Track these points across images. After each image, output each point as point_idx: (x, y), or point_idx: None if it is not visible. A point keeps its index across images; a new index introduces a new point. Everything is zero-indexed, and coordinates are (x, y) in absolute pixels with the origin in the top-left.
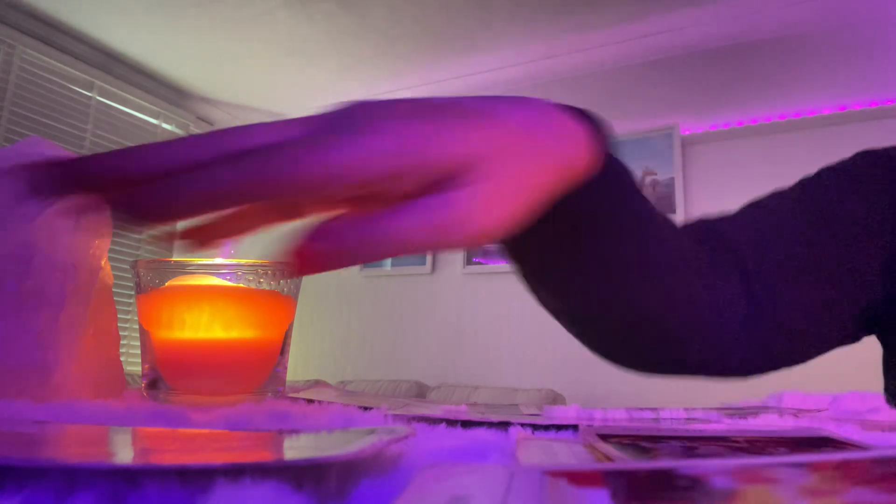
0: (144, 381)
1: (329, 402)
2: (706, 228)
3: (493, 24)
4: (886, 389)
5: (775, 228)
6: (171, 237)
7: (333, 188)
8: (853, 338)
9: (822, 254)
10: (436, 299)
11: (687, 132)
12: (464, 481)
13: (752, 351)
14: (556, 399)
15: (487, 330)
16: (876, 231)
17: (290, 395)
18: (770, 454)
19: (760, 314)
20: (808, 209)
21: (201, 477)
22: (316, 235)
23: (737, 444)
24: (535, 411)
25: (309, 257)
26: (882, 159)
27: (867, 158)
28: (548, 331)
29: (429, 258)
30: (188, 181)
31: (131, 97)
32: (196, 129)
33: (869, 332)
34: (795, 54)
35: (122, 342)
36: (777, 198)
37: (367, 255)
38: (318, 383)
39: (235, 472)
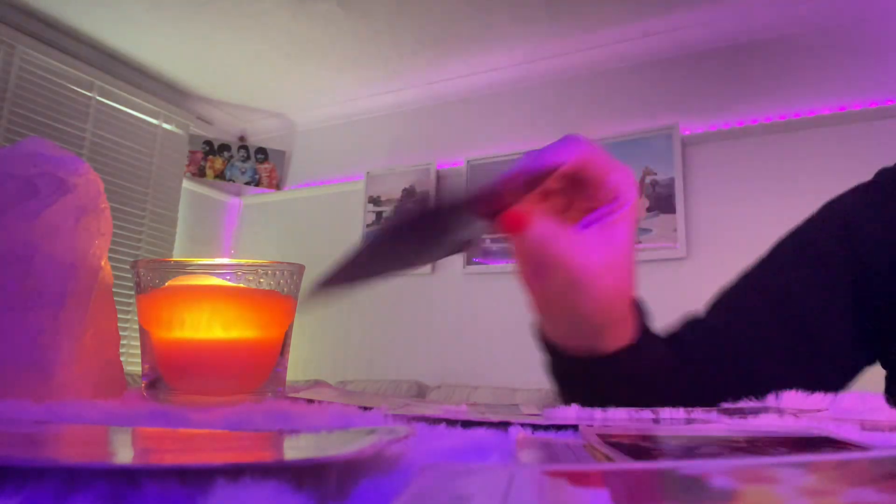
0: (144, 381)
1: (329, 402)
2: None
3: (493, 25)
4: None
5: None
6: None
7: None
8: (842, 385)
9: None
10: (436, 299)
11: (687, 132)
12: (464, 481)
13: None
14: (556, 399)
15: (487, 330)
16: (840, 306)
17: (290, 395)
18: (770, 454)
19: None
20: (770, 297)
21: (201, 477)
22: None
23: (737, 444)
24: (535, 411)
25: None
26: (831, 219)
27: (825, 218)
28: None
29: None
30: None
31: (131, 97)
32: (196, 129)
33: (870, 364)
34: (795, 54)
35: (122, 342)
36: (744, 285)
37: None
38: (318, 383)
39: (235, 472)
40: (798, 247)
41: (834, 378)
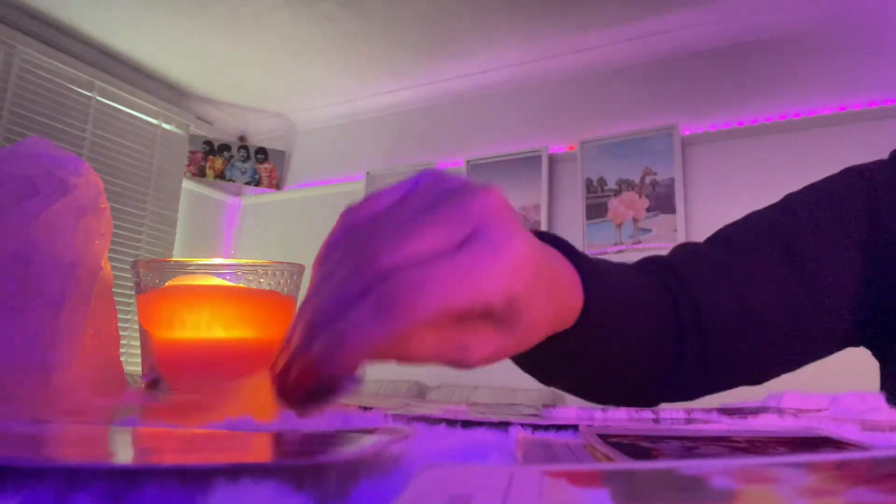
0: (144, 381)
1: None
2: (668, 280)
3: (492, 25)
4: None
5: (744, 276)
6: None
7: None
8: (829, 352)
9: (792, 295)
10: None
11: (687, 132)
12: (464, 481)
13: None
14: (556, 399)
15: None
16: (848, 260)
17: None
18: (770, 454)
19: (712, 369)
20: (780, 249)
21: (201, 477)
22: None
23: (737, 444)
24: (535, 411)
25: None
26: (856, 179)
27: (847, 177)
28: None
29: None
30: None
31: (131, 97)
32: (196, 129)
33: (854, 345)
34: (795, 54)
35: (122, 342)
36: (753, 222)
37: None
38: None
39: (235, 472)
40: (815, 195)
41: (828, 335)
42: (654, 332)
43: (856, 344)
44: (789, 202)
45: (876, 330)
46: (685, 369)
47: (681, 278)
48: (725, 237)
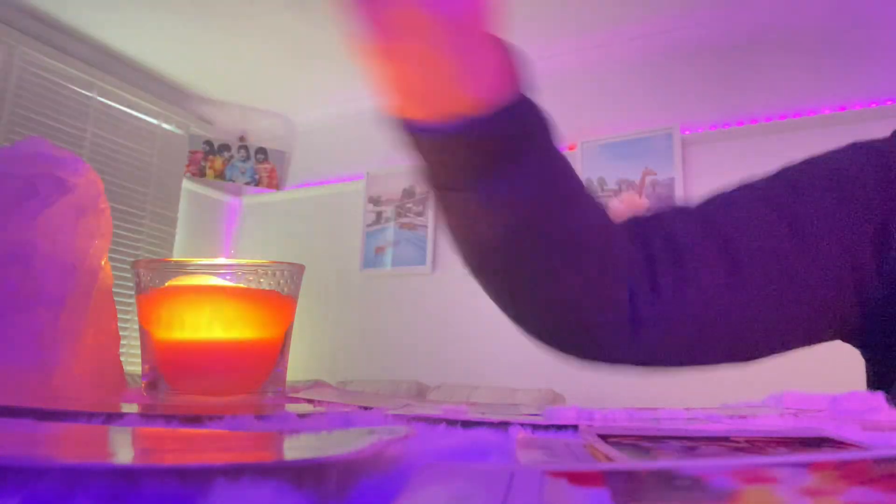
0: (144, 381)
1: (329, 402)
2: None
3: None
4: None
5: (735, 220)
6: None
7: None
8: (814, 339)
9: (778, 249)
10: (436, 299)
11: (687, 132)
12: (464, 481)
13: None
14: (556, 399)
15: (487, 330)
16: (846, 233)
17: (290, 395)
18: (770, 454)
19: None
20: (774, 203)
21: (201, 477)
22: None
23: (737, 444)
24: (535, 411)
25: None
26: (868, 155)
27: (856, 152)
28: None
29: (429, 257)
30: None
31: (131, 97)
32: (196, 129)
33: (843, 339)
34: (795, 54)
35: (122, 342)
36: (747, 189)
37: None
38: (318, 383)
39: (235, 472)
40: (821, 173)
41: (818, 324)
42: (605, 229)
43: (845, 338)
44: (791, 178)
45: (871, 327)
46: (646, 306)
47: (661, 221)
48: (723, 202)
